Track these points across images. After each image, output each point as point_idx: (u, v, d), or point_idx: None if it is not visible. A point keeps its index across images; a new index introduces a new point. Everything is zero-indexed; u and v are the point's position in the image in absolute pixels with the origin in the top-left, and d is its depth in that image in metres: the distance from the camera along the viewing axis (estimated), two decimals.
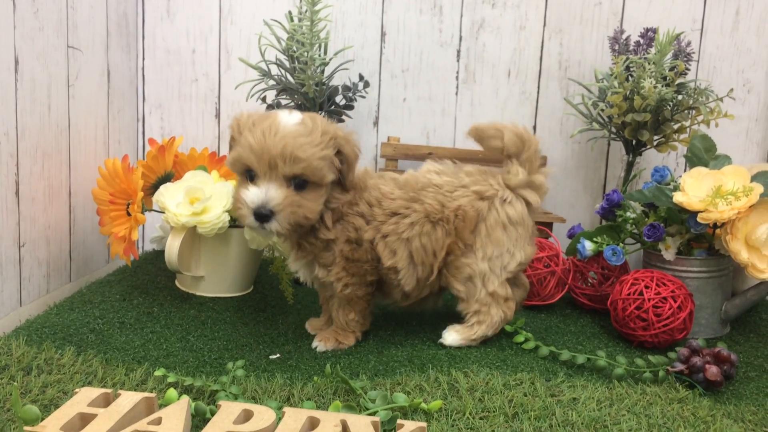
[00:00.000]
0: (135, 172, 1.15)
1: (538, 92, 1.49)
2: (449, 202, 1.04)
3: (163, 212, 1.17)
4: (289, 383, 0.88)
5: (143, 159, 1.43)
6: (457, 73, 1.49)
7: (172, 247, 1.14)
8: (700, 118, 1.23)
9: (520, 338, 1.07)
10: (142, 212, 1.16)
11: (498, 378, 0.87)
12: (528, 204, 1.07)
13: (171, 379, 0.84)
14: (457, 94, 1.50)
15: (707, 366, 0.95)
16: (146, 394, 0.75)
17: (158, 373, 0.85)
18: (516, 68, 1.49)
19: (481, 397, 0.82)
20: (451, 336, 1.06)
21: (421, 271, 1.04)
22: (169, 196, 1.16)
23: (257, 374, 0.92)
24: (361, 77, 1.40)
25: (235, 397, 0.82)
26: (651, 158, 1.47)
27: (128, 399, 0.74)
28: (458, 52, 1.48)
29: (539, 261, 1.25)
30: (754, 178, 1.10)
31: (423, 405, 0.79)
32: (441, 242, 1.04)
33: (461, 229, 1.04)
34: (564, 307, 1.28)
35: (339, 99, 1.37)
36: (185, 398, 0.75)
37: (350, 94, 1.37)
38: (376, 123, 1.51)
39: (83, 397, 0.74)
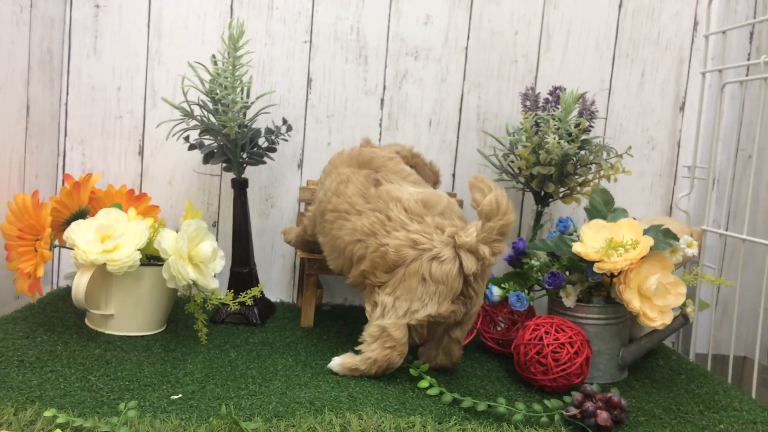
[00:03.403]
0: (44, 208, 1.14)
1: (457, 142, 1.55)
2: (382, 237, 1.07)
3: (73, 249, 1.16)
4: (184, 424, 0.88)
5: None
6: (381, 120, 1.54)
7: (79, 284, 1.13)
8: (602, 172, 1.30)
9: (424, 383, 1.07)
10: (51, 249, 1.15)
11: (390, 421, 0.89)
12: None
13: (60, 419, 0.83)
14: (380, 140, 1.54)
15: (598, 411, 0.99)
16: None
17: (48, 413, 0.84)
18: (437, 118, 1.54)
19: None
20: (334, 360, 1.10)
21: (341, 264, 1.15)
22: (79, 233, 1.16)
23: (155, 415, 0.91)
24: (284, 121, 1.43)
25: None
26: (561, 209, 1.53)
27: None
28: (382, 100, 1.54)
29: None
30: (646, 232, 1.16)
31: None
32: (357, 256, 1.10)
33: (376, 264, 1.07)
34: (473, 350, 1.31)
35: (261, 141, 1.39)
36: None
37: (273, 137, 1.40)
38: (300, 166, 1.54)
39: None
